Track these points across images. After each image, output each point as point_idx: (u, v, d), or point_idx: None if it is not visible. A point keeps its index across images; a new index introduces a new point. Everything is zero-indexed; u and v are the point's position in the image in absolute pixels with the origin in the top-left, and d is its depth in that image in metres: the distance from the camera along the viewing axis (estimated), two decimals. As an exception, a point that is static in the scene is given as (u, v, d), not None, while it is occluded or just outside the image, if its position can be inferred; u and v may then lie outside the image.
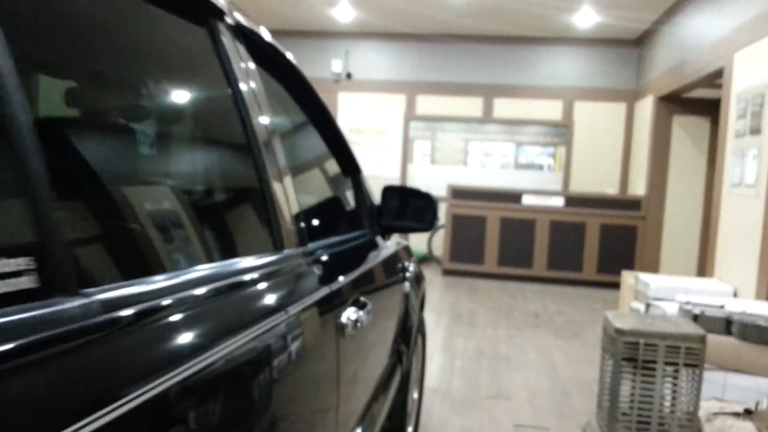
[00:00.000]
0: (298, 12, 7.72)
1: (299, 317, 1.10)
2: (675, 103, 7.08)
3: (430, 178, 8.63)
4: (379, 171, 8.40)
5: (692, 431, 2.58)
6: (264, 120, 1.20)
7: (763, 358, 3.52)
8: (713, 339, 3.50)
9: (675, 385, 2.50)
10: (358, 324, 1.43)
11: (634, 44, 8.08)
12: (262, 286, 1.03)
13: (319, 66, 8.48)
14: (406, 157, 8.84)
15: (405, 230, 2.11)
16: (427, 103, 8.61)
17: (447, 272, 7.59)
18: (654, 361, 2.47)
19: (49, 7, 0.74)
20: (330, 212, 1.85)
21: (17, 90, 0.57)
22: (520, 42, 8.28)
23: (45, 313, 0.55)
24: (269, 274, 1.07)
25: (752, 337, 3.56)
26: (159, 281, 0.77)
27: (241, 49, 1.19)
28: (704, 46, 5.73)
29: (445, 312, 5.69)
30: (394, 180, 8.48)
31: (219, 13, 1.11)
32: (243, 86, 1.14)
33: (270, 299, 1.04)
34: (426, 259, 8.42)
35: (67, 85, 0.86)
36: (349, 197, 1.98)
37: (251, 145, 1.14)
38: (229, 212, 1.20)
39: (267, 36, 1.39)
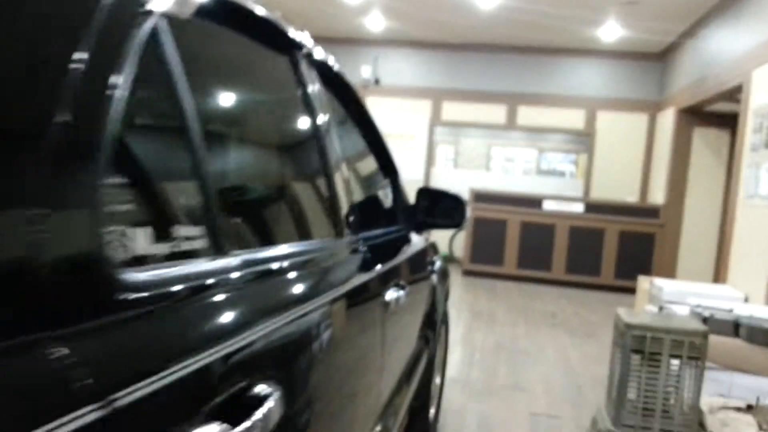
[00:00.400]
0: (332, 21, 8.03)
1: (357, 291, 1.37)
2: (696, 115, 7.26)
3: (453, 182, 8.86)
4: (403, 173, 8.64)
5: (693, 421, 2.81)
6: (330, 130, 1.47)
7: (767, 360, 3.72)
8: (721, 340, 3.72)
9: (678, 376, 2.73)
10: (399, 303, 1.70)
11: (657, 58, 8.26)
12: (330, 263, 1.30)
13: (349, 71, 8.68)
14: (430, 161, 9.09)
15: (436, 227, 2.37)
16: (453, 110, 8.85)
17: (467, 273, 7.83)
18: (659, 353, 2.70)
19: (197, 48, 1.01)
20: (374, 208, 2.11)
21: (195, 116, 0.85)
22: (545, 52, 8.51)
23: (214, 266, 0.83)
24: (335, 255, 1.35)
25: (758, 339, 3.76)
26: (272, 250, 1.06)
27: (312, 72, 1.46)
28: (724, 62, 5.92)
29: (465, 309, 5.94)
30: (418, 182, 8.73)
31: (298, 46, 1.38)
32: (315, 102, 1.41)
33: (337, 274, 1.31)
34: (447, 259, 8.65)
35: (208, 103, 1.14)
36: (389, 195, 2.24)
37: (322, 151, 1.41)
38: (308, 204, 1.47)
39: (331, 61, 1.66)
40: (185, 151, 0.85)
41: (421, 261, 2.35)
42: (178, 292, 0.69)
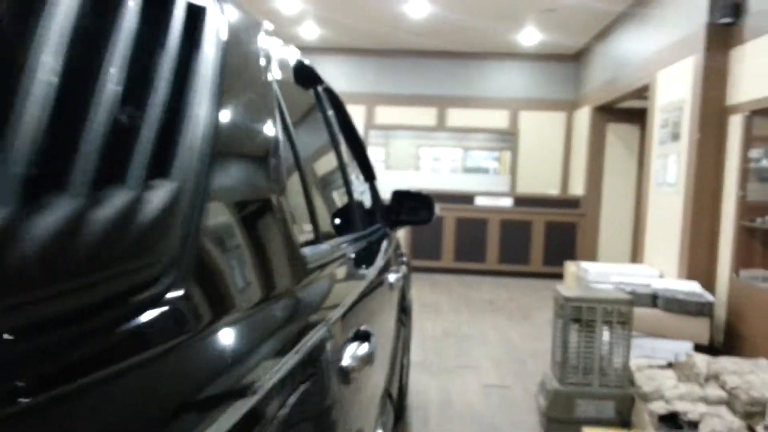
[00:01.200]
0: (265, 29, 8.27)
1: (384, 268, 1.78)
2: (609, 112, 7.95)
3: (385, 182, 9.23)
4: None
5: (625, 378, 3.30)
6: (343, 145, 1.84)
7: (681, 325, 4.29)
8: (643, 311, 4.26)
9: (611, 339, 3.22)
10: (395, 285, 2.08)
11: (572, 59, 8.94)
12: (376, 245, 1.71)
13: (283, 78, 9.03)
14: (365, 163, 9.46)
15: (409, 224, 2.75)
16: (386, 113, 9.28)
17: (408, 268, 8.28)
18: (594, 321, 3.17)
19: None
20: (367, 208, 2.48)
21: (308, 150, 1.20)
22: (471, 57, 9.05)
23: (313, 250, 1.18)
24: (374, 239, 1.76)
25: (673, 308, 4.33)
26: (344, 238, 1.44)
27: (327, 101, 1.82)
28: (633, 63, 6.57)
29: (412, 302, 6.34)
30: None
31: (320, 81, 1.74)
32: (334, 125, 1.78)
33: (379, 254, 1.70)
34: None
35: (309, 141, 1.50)
36: (368, 198, 2.61)
37: (341, 162, 1.77)
38: (344, 206, 1.84)
39: (336, 93, 2.03)
40: (307, 178, 1.21)
41: (398, 252, 2.73)
42: (326, 262, 1.05)
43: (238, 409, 0.59)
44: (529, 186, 9.05)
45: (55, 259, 0.45)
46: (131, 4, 0.62)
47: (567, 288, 3.43)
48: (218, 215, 0.70)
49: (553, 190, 9.00)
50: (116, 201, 0.53)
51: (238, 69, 0.87)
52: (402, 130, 9.81)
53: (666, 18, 5.71)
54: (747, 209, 4.44)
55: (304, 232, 1.11)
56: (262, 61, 0.98)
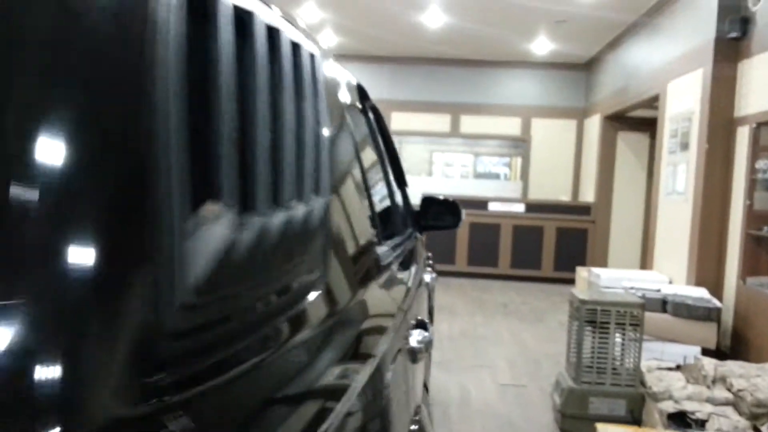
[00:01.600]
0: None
1: (424, 265, 1.97)
2: (619, 121, 8.12)
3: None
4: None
5: (636, 378, 3.47)
6: (384, 151, 2.04)
7: (690, 330, 4.46)
8: (653, 316, 4.43)
9: (623, 340, 3.40)
10: (429, 284, 2.28)
11: (583, 68, 9.12)
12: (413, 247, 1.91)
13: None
14: (380, 168, 9.67)
15: (437, 229, 2.94)
16: (401, 119, 9.47)
17: (421, 272, 8.47)
18: (608, 323, 3.35)
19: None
20: (400, 213, 2.68)
21: (367, 163, 1.39)
22: (484, 65, 9.25)
23: (380, 250, 1.37)
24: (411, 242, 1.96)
25: (682, 313, 4.50)
26: (394, 241, 1.64)
27: (372, 115, 2.01)
28: (643, 74, 6.74)
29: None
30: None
31: (368, 98, 1.94)
32: (378, 136, 1.97)
33: (416, 255, 1.90)
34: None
35: (368, 155, 1.69)
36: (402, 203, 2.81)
37: (385, 171, 1.97)
38: (395, 210, 2.04)
39: (377, 107, 2.23)
40: (370, 188, 1.41)
41: (427, 255, 2.93)
42: (389, 262, 1.25)
43: (371, 365, 0.81)
44: (540, 192, 9.22)
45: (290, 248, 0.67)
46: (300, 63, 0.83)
47: (582, 292, 3.61)
48: (337, 223, 0.92)
49: (564, 197, 9.17)
50: (298, 212, 0.73)
51: (334, 104, 1.08)
52: (416, 136, 10.01)
53: (676, 30, 5.89)
54: (754, 218, 4.61)
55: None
56: (343, 90, 1.20)
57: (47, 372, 0.36)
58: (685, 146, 5.51)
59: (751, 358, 4.22)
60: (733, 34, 4.84)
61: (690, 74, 5.45)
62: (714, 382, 3.54)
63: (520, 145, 9.61)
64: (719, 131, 4.96)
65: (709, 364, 3.67)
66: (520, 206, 8.47)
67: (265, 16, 0.74)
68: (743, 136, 4.76)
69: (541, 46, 8.22)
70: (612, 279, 5.42)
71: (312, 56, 0.96)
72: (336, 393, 0.70)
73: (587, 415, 3.30)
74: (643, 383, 3.52)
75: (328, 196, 0.85)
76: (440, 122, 9.46)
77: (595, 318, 3.35)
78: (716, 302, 4.50)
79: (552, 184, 9.28)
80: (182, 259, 0.49)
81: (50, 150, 0.40)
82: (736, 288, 4.73)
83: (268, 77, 0.72)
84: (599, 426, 3.11)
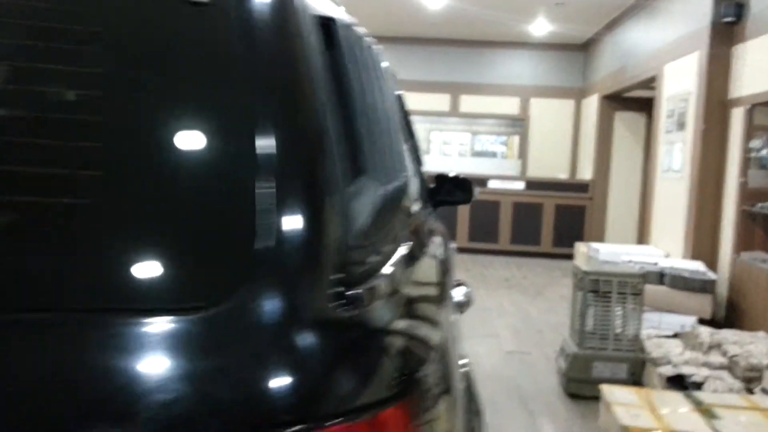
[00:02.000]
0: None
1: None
2: (616, 101, 8.31)
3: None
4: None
5: (636, 345, 3.70)
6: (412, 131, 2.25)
7: (686, 301, 4.68)
8: (651, 288, 4.65)
9: (624, 309, 3.62)
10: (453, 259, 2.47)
11: (581, 49, 9.28)
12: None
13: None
14: (381, 147, 9.84)
15: (449, 204, 3.13)
16: (401, 99, 9.62)
17: (423, 248, 8.68)
18: (610, 292, 3.57)
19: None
20: (422, 188, 2.87)
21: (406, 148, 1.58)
22: (484, 46, 9.39)
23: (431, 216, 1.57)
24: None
25: (679, 285, 4.72)
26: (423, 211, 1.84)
27: (404, 103, 2.20)
28: (640, 55, 6.92)
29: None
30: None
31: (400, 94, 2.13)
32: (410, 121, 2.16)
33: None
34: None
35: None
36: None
37: (413, 150, 2.16)
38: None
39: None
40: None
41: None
42: (434, 226, 1.45)
43: (450, 315, 1.01)
44: (539, 170, 9.42)
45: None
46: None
47: (585, 263, 3.82)
48: (413, 191, 1.12)
49: (562, 175, 9.37)
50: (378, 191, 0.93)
51: (394, 89, 1.28)
52: (415, 115, 10.15)
53: (673, 13, 6.05)
54: (748, 195, 4.82)
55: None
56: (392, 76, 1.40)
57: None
58: (681, 126, 5.70)
59: (745, 327, 4.45)
60: (729, 19, 5.02)
61: (687, 57, 5.63)
62: (710, 348, 3.77)
63: (518, 124, 9.78)
64: (715, 112, 5.16)
65: (705, 332, 3.90)
66: (520, 184, 8.67)
67: (350, 21, 0.94)
68: (738, 117, 4.96)
69: (540, 27, 8.37)
70: (610, 253, 5.63)
71: (377, 51, 1.15)
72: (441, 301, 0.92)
73: (591, 378, 3.52)
74: (642, 350, 3.74)
75: (408, 171, 1.05)
76: (440, 101, 9.62)
77: (597, 288, 3.57)
78: (711, 275, 4.73)
79: (550, 163, 9.48)
80: (349, 213, 0.72)
81: (271, 146, 0.67)
82: (731, 261, 4.96)
83: (372, 78, 0.91)
84: (604, 387, 3.34)
